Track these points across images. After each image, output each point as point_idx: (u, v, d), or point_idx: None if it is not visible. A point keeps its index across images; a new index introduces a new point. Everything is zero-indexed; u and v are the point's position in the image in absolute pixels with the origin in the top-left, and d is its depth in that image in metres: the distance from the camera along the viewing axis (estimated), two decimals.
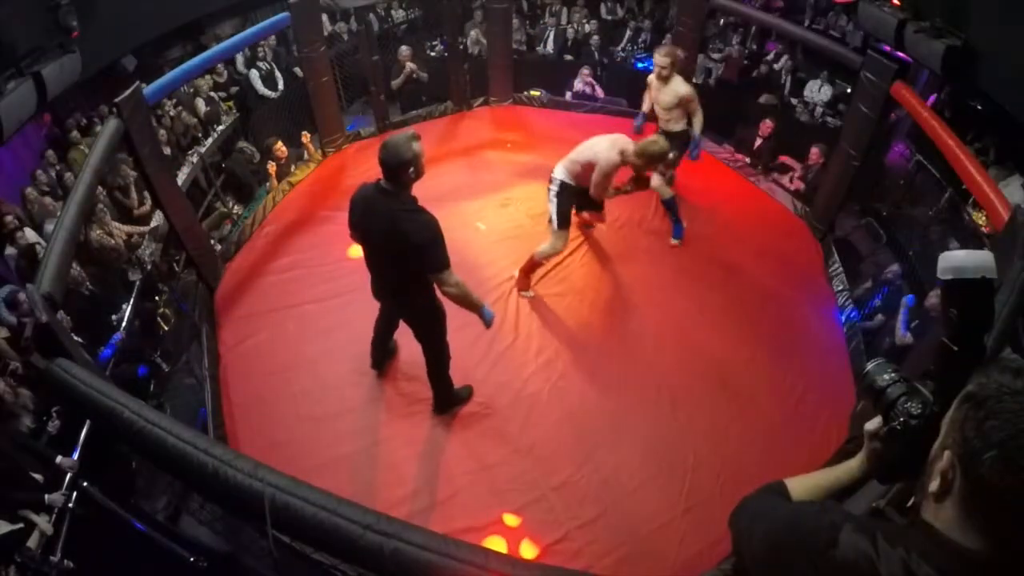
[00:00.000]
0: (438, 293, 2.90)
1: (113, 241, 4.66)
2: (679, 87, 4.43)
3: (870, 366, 1.09)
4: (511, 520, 3.12)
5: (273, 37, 6.88)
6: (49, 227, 4.48)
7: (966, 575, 0.76)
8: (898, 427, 1.00)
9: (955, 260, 0.99)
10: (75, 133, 5.50)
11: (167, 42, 6.33)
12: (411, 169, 2.58)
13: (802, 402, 3.72)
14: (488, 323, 2.97)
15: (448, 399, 3.53)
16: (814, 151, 5.49)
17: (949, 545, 0.77)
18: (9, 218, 4.35)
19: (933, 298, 3.83)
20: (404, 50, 6.58)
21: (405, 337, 3.60)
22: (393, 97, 6.57)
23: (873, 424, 1.07)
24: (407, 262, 2.72)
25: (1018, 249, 2.47)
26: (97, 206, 4.76)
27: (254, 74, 6.63)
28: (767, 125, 5.89)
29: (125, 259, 4.77)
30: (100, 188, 4.83)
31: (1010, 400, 0.72)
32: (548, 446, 3.43)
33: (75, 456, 3.04)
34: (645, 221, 5.02)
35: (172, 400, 3.96)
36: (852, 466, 1.15)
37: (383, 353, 3.76)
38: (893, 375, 1.05)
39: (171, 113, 5.91)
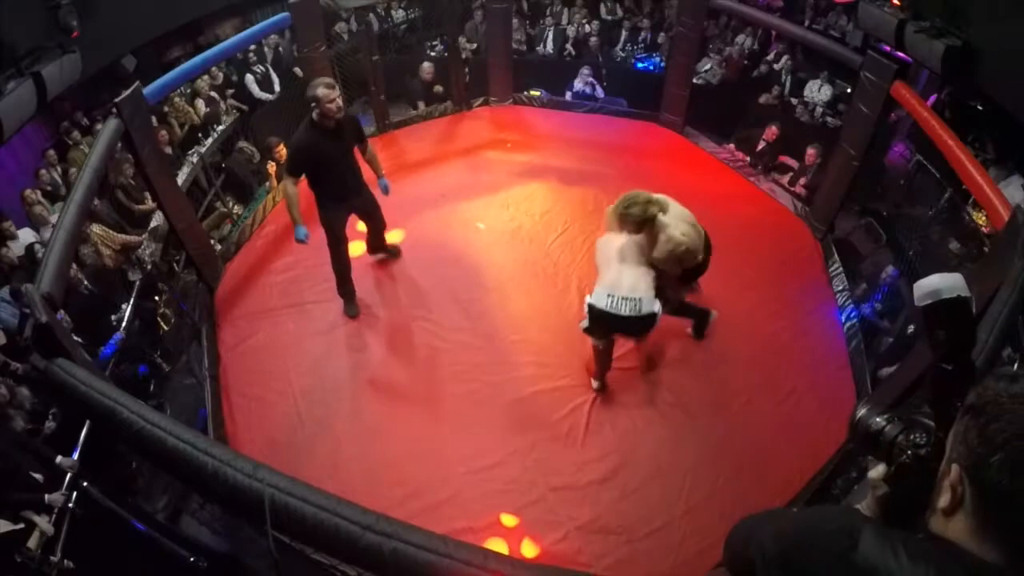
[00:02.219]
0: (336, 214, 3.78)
1: (103, 261, 4.61)
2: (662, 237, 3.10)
3: (860, 413, 1.07)
4: (511, 520, 3.12)
5: (274, 36, 6.89)
6: (45, 234, 4.45)
7: None
8: (907, 461, 0.97)
9: (931, 285, 1.01)
10: (75, 133, 5.50)
11: (167, 42, 6.33)
12: (312, 104, 3.37)
13: (802, 402, 3.71)
14: (297, 239, 3.64)
15: (338, 285, 4.19)
16: (810, 152, 5.48)
17: (967, 558, 0.76)
18: (7, 224, 4.35)
19: None
20: (427, 66, 6.59)
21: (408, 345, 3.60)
22: (392, 98, 6.56)
23: (877, 471, 1.03)
24: None
25: (1018, 249, 2.47)
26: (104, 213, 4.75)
27: (249, 78, 6.63)
28: (772, 131, 5.79)
29: (124, 262, 4.77)
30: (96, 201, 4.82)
31: (1010, 403, 0.72)
32: (548, 446, 3.43)
33: (75, 456, 3.04)
34: None
35: (172, 400, 3.96)
36: None
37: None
38: (886, 415, 1.03)
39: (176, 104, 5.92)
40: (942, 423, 0.93)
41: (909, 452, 0.97)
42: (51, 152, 5.27)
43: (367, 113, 6.68)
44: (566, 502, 3.18)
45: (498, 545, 2.99)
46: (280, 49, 7.19)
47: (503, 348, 3.97)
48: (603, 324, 3.26)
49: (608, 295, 3.13)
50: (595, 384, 3.69)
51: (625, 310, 3.09)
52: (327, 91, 3.34)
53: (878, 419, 1.04)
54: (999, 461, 0.71)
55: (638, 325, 3.20)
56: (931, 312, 1.00)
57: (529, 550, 3.00)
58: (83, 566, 2.68)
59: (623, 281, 3.14)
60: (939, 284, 1.00)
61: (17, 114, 3.55)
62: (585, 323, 3.36)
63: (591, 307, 3.22)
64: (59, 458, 2.95)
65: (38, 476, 2.85)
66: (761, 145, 5.92)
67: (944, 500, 0.79)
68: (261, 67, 6.72)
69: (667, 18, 7.55)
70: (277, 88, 6.70)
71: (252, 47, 6.55)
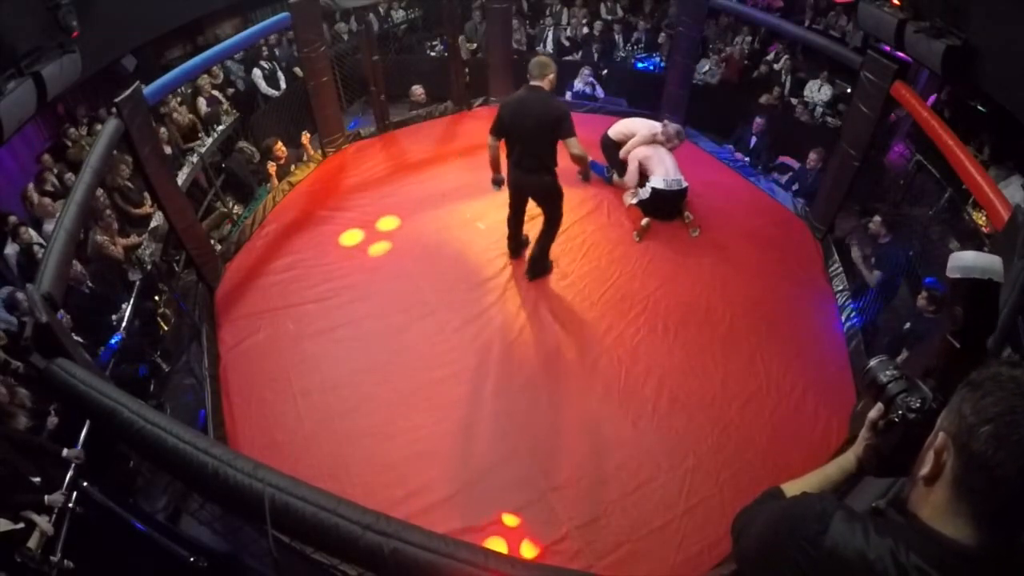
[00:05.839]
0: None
1: (114, 249, 4.67)
2: None
3: (872, 363, 1.10)
4: (511, 520, 3.11)
5: (275, 36, 6.90)
6: (48, 227, 4.48)
7: (952, 564, 0.77)
8: (896, 419, 1.01)
9: (964, 260, 1.01)
10: (73, 130, 5.52)
11: (167, 42, 6.34)
12: (551, 75, 3.77)
13: (802, 402, 3.71)
14: (594, 177, 4.21)
15: (544, 266, 4.45)
16: (813, 155, 5.48)
17: (935, 536, 0.79)
18: (13, 218, 4.36)
19: (922, 300, 3.83)
20: (416, 89, 6.60)
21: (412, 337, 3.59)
22: (392, 97, 6.57)
23: (875, 412, 1.07)
24: (551, 135, 3.75)
25: (1018, 249, 2.47)
26: (106, 212, 4.77)
27: (257, 73, 6.65)
28: (758, 123, 5.93)
29: (124, 260, 4.78)
30: (104, 195, 4.85)
31: (1008, 382, 0.75)
32: (548, 446, 3.43)
33: None
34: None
35: (172, 400, 3.96)
36: (842, 462, 1.15)
37: (518, 244, 4.59)
38: (894, 372, 1.06)
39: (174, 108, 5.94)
40: (939, 396, 0.95)
41: (900, 413, 1.00)
42: (46, 157, 5.27)
43: (367, 113, 6.69)
44: (566, 502, 3.18)
45: (498, 545, 2.99)
46: (281, 48, 7.20)
47: (503, 348, 3.97)
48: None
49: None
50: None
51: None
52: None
53: (887, 373, 1.06)
54: (987, 432, 0.74)
55: None
56: (957, 286, 1.00)
57: (529, 550, 2.99)
58: (83, 566, 2.68)
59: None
60: (973, 262, 0.99)
61: (17, 114, 3.55)
62: None
63: None
64: (65, 450, 2.95)
65: (36, 479, 2.85)
66: (753, 141, 5.94)
67: (927, 468, 0.82)
68: (268, 64, 6.74)
69: (668, 17, 7.56)
70: (283, 85, 6.71)
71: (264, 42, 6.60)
